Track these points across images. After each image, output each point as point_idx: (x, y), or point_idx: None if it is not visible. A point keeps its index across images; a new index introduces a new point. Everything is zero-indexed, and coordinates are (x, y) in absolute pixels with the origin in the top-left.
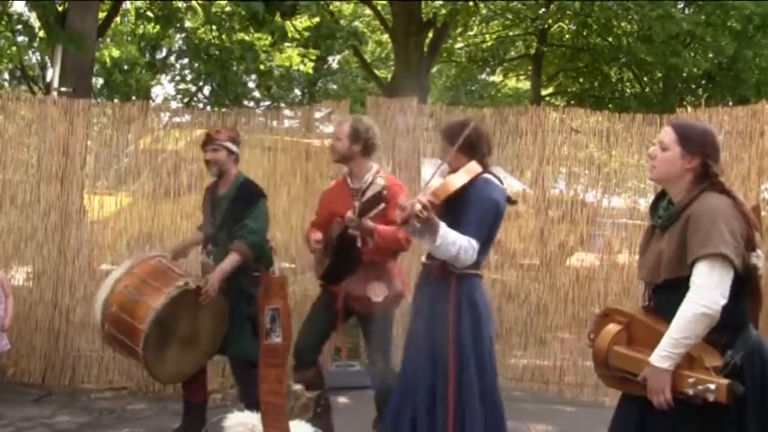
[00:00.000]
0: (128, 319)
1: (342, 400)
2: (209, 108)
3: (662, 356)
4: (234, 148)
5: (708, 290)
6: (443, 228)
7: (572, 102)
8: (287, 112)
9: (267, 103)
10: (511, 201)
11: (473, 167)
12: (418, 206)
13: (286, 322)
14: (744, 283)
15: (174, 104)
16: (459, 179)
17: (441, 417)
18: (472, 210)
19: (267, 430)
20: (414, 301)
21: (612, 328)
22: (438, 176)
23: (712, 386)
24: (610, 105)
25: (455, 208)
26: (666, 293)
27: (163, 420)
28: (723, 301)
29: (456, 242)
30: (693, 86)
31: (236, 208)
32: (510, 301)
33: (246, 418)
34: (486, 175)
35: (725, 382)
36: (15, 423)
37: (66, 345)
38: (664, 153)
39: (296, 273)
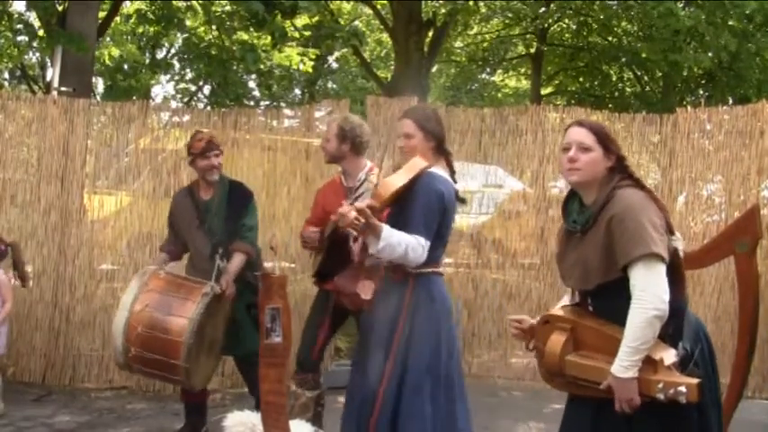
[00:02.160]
0: (161, 336)
1: (341, 399)
2: (209, 108)
3: (624, 366)
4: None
5: (652, 292)
6: (386, 230)
7: (572, 101)
8: (287, 111)
9: (267, 102)
10: (459, 198)
11: (415, 164)
12: (353, 214)
13: (286, 322)
14: (671, 270)
15: (173, 104)
16: (398, 179)
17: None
18: (416, 206)
19: (267, 430)
20: (372, 306)
21: (559, 336)
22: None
23: (683, 388)
24: (610, 105)
25: (402, 207)
26: (601, 298)
27: (163, 420)
28: (667, 298)
29: (401, 242)
30: (693, 86)
31: (233, 209)
32: (511, 300)
33: (246, 417)
34: (431, 170)
35: (694, 381)
36: (15, 422)
37: (66, 344)
38: (588, 154)
39: (296, 273)
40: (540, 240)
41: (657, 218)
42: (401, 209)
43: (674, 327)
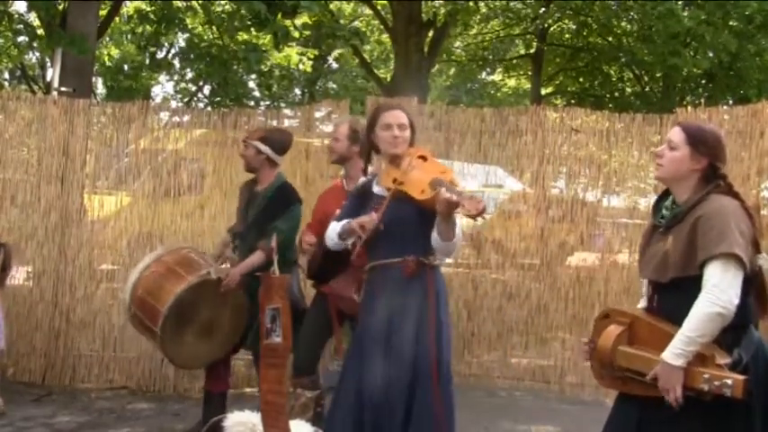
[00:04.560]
0: (151, 302)
1: None
2: (209, 108)
3: (676, 354)
4: (263, 148)
5: (723, 289)
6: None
7: (572, 101)
8: (287, 111)
9: (267, 102)
10: None
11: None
12: (482, 204)
13: (286, 322)
14: (748, 284)
15: (173, 104)
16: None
17: (423, 408)
18: None
19: (267, 430)
20: (375, 304)
21: (615, 328)
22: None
23: (729, 381)
24: (610, 105)
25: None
26: (672, 293)
27: (163, 420)
28: (737, 301)
29: (459, 235)
30: (694, 86)
31: (270, 208)
32: (510, 300)
33: (246, 417)
34: None
35: (741, 377)
36: (15, 423)
37: (66, 344)
38: (672, 152)
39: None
40: (540, 240)
41: (746, 227)
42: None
43: (733, 337)
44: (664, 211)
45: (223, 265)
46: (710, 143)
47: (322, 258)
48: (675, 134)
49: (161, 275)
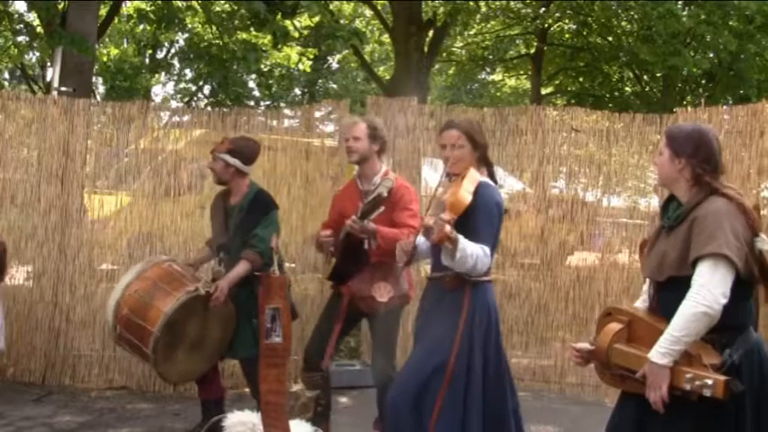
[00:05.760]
0: (139, 322)
1: (342, 399)
2: (209, 108)
3: (661, 353)
4: (231, 160)
5: (710, 289)
6: (461, 241)
7: (572, 101)
8: (287, 111)
9: (267, 102)
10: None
11: (475, 176)
12: (448, 228)
13: (286, 322)
14: (744, 285)
15: (173, 104)
16: (468, 192)
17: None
18: (481, 218)
19: (267, 430)
20: (420, 315)
21: (614, 326)
22: (441, 184)
23: (709, 381)
24: (610, 105)
25: (464, 218)
26: (670, 291)
27: (163, 420)
28: (724, 301)
29: (473, 253)
30: (694, 85)
31: (248, 218)
32: (511, 300)
33: (246, 417)
34: (484, 180)
35: (722, 378)
36: (15, 423)
37: (66, 344)
38: (660, 158)
39: (296, 273)
40: (540, 240)
41: (741, 227)
42: (462, 220)
43: (728, 337)
44: (670, 212)
45: (202, 274)
46: (689, 143)
47: (340, 259)
48: (662, 139)
49: (146, 293)
